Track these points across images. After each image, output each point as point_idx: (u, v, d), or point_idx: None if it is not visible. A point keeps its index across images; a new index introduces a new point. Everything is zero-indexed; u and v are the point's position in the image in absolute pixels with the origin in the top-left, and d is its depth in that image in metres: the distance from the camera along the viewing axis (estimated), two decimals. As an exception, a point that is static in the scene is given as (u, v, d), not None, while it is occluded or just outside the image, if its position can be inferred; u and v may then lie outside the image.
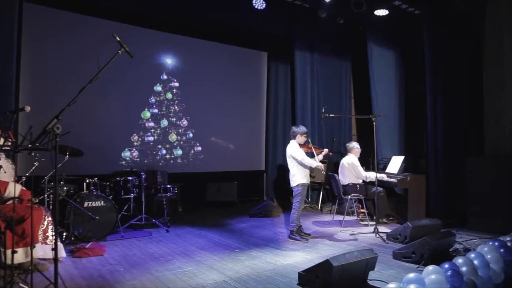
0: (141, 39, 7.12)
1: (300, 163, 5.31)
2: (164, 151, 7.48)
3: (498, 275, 3.54)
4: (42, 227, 3.98)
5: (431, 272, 3.09)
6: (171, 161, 7.58)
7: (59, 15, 6.32)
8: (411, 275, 3.07)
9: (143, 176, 5.84)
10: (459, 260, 3.41)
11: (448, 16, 6.59)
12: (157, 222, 5.87)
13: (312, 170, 5.65)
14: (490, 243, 3.93)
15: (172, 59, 7.60)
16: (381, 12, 7.43)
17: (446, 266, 3.22)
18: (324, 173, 5.61)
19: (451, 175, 6.46)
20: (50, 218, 4.08)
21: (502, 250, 3.82)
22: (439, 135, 6.55)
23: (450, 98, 6.55)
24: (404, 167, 6.79)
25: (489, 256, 3.63)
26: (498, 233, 4.64)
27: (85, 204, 5.05)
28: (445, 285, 3.00)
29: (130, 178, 5.80)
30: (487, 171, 5.92)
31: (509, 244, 3.95)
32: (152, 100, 7.35)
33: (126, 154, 7.01)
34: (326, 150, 5.70)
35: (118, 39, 2.90)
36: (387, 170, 6.80)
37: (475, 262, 3.47)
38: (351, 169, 6.42)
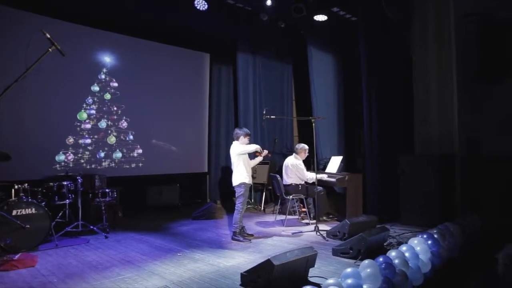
0: (77, 36, 6.77)
1: (248, 151, 5.44)
2: (102, 154, 7.18)
3: (426, 265, 3.81)
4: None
5: (367, 266, 3.24)
6: (110, 164, 7.29)
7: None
8: (349, 270, 3.19)
9: (79, 180, 5.55)
10: (392, 253, 3.62)
11: (381, 24, 6.96)
12: (95, 228, 5.60)
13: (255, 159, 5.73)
14: (420, 236, 4.21)
15: (111, 58, 7.31)
16: (320, 18, 7.68)
17: (381, 259, 3.40)
18: (270, 155, 5.72)
19: (386, 174, 6.82)
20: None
21: (429, 242, 4.11)
22: (375, 136, 6.90)
23: (384, 101, 6.91)
24: (343, 167, 7.06)
25: (418, 248, 3.89)
26: (427, 227, 4.97)
27: (14, 213, 4.67)
28: (379, 277, 3.16)
29: (65, 183, 5.48)
30: (417, 169, 6.31)
31: (436, 236, 4.26)
32: (89, 100, 7.02)
33: (61, 157, 6.63)
34: (266, 152, 5.79)
35: (48, 36, 2.74)
36: (327, 170, 7.03)
37: (406, 254, 3.70)
38: (295, 170, 6.55)
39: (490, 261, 3.98)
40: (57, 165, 6.58)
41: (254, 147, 5.49)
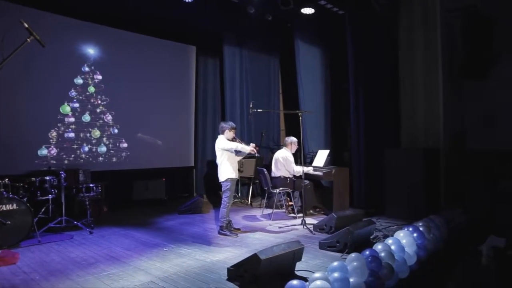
0: (59, 28, 6.61)
1: (235, 152, 5.40)
2: (86, 148, 7.06)
3: (411, 257, 3.85)
4: None
5: (353, 260, 3.26)
6: (95, 158, 7.17)
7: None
8: (335, 263, 3.21)
9: (62, 175, 5.44)
10: (379, 246, 3.66)
11: (368, 18, 6.98)
12: (79, 224, 5.52)
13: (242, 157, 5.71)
14: (405, 229, 4.25)
15: (95, 50, 7.17)
16: (308, 11, 7.64)
17: (367, 253, 3.43)
18: (258, 155, 5.70)
19: (372, 167, 6.87)
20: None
21: (415, 234, 4.15)
22: (361, 129, 6.94)
23: (371, 95, 6.95)
24: (330, 160, 7.08)
25: (404, 241, 3.93)
26: (413, 219, 5.02)
27: (-6, 208, 4.57)
28: (366, 270, 3.18)
29: (47, 177, 5.39)
30: (403, 162, 6.36)
31: (421, 229, 4.30)
32: (73, 93, 6.87)
33: (43, 152, 6.49)
34: (253, 145, 5.75)
35: (26, 25, 2.65)
36: (314, 164, 7.04)
37: (392, 247, 3.74)
38: (285, 163, 6.55)
39: (474, 253, 4.05)
40: (40, 160, 6.45)
41: (248, 148, 5.44)
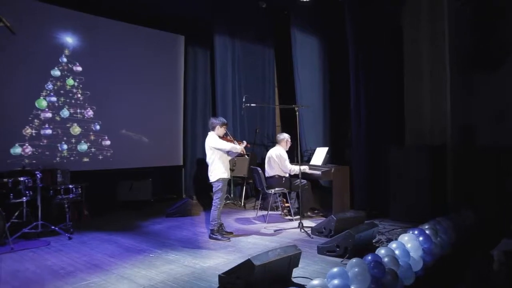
0: (33, 13, 6.51)
1: (227, 152, 5.40)
2: (65, 146, 6.99)
3: (417, 262, 3.83)
4: None
5: (354, 265, 3.23)
6: (74, 157, 7.11)
7: None
8: (335, 269, 3.18)
9: (38, 176, 5.38)
10: (382, 251, 3.64)
11: (370, 5, 6.93)
12: (56, 228, 5.46)
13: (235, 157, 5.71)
14: (410, 232, 4.24)
15: (74, 39, 7.08)
16: (305, -3, 7.60)
17: (369, 258, 3.42)
18: (248, 145, 5.70)
19: (374, 166, 6.85)
20: None
21: (421, 238, 4.14)
22: (363, 125, 6.91)
23: (373, 89, 6.92)
24: (329, 159, 7.06)
25: (409, 245, 3.92)
26: (418, 222, 5.00)
27: (-38, 212, 4.50)
28: (368, 277, 3.16)
29: (21, 178, 5.33)
30: (407, 160, 6.35)
31: (427, 232, 4.29)
32: (49, 86, 6.79)
33: (17, 150, 6.40)
34: (245, 143, 5.75)
35: (-6, 10, 2.57)
36: (312, 162, 7.02)
37: (397, 252, 3.73)
38: (279, 161, 6.53)
39: (485, 258, 4.03)
40: (13, 159, 6.36)
41: (239, 148, 5.45)
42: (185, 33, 8.76)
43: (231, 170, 5.78)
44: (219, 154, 5.38)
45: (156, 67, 8.33)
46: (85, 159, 7.26)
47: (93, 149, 7.37)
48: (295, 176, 6.49)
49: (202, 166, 8.19)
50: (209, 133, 5.50)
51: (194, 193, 8.56)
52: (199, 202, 7.52)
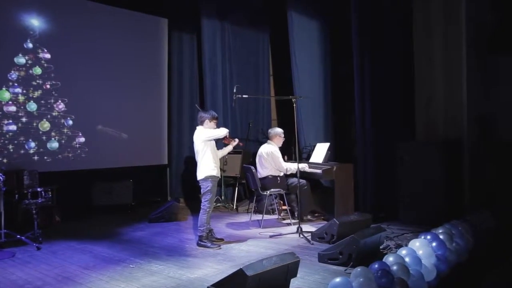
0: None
1: (217, 136, 5.48)
2: (32, 144, 6.97)
3: (430, 271, 3.81)
4: None
5: (359, 274, 3.23)
6: (43, 157, 7.09)
7: None
8: (338, 279, 3.19)
9: (1, 178, 5.34)
10: (390, 259, 3.63)
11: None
12: (23, 238, 5.43)
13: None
14: (422, 237, 4.23)
15: (40, 21, 7.04)
16: (304, -25, 7.58)
17: (376, 266, 3.41)
18: (241, 144, 5.73)
19: (381, 163, 6.85)
20: None
21: (434, 244, 4.12)
22: (368, 118, 6.89)
23: (380, 77, 6.90)
24: (330, 156, 7.06)
25: (421, 252, 3.91)
26: (431, 226, 5.00)
27: None
28: (374, 287, 3.14)
29: (-19, 181, 5.30)
30: (418, 157, 6.36)
31: (441, 237, 4.27)
32: (13, 76, 6.76)
33: (-22, 149, 6.39)
34: (236, 140, 5.77)
35: None
36: (311, 160, 7.03)
37: (407, 259, 3.72)
38: (270, 160, 6.52)
39: (505, 265, 4.03)
40: (-26, 159, 6.35)
41: (224, 131, 5.51)
42: (169, 16, 8.75)
43: (222, 169, 5.77)
44: (211, 149, 5.42)
45: (137, 54, 8.31)
46: (56, 158, 7.23)
47: (65, 147, 7.34)
48: (292, 175, 6.47)
49: (190, 165, 8.19)
50: (197, 127, 5.52)
51: (181, 195, 8.60)
52: (186, 205, 7.54)
